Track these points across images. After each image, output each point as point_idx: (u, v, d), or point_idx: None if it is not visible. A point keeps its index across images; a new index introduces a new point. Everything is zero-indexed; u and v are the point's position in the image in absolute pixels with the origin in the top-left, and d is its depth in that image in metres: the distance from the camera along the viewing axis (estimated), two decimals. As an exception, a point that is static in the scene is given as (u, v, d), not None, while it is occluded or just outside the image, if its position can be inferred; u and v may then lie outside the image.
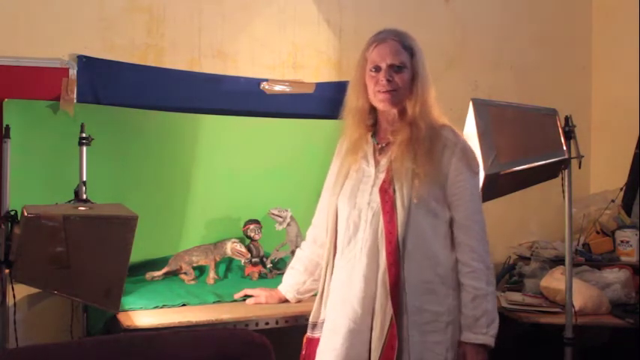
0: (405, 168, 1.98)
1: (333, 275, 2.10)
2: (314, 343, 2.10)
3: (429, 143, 1.99)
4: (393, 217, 1.97)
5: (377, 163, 2.06)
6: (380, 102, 2.03)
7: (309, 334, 2.13)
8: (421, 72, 2.04)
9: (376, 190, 2.02)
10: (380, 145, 2.08)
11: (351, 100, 2.10)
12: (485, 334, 1.96)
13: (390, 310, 1.95)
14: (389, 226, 1.97)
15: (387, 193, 2.00)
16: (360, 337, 1.99)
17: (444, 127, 2.04)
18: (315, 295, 2.37)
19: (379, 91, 2.01)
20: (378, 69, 2.02)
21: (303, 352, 2.14)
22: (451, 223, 2.01)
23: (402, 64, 2.01)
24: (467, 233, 2.00)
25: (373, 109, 2.09)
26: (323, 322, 2.10)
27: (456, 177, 2.00)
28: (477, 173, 2.08)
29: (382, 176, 2.03)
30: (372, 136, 2.10)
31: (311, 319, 2.14)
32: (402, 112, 2.05)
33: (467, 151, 2.04)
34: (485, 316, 1.96)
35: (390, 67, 2.01)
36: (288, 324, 2.35)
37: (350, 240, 2.05)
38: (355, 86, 2.09)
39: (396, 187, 1.98)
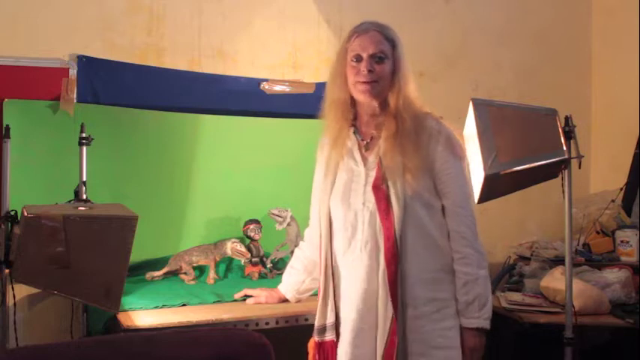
0: (396, 162, 1.98)
1: (340, 278, 2.08)
2: (326, 346, 2.08)
3: (414, 135, 1.99)
4: (389, 214, 1.97)
5: (365, 161, 2.05)
6: (360, 93, 2.01)
7: (317, 338, 2.10)
8: (403, 63, 2.03)
9: (369, 188, 2.01)
10: (365, 141, 2.07)
11: (332, 93, 2.08)
12: (479, 317, 1.98)
13: (390, 307, 1.96)
14: (386, 222, 1.97)
15: (380, 190, 1.99)
16: (366, 335, 2.00)
17: (427, 117, 2.04)
18: (315, 294, 2.38)
19: (360, 82, 2.00)
20: (359, 59, 2.00)
21: (317, 358, 2.11)
22: (443, 210, 2.02)
23: (384, 55, 2.00)
24: (456, 220, 2.01)
25: (354, 103, 2.07)
26: (331, 325, 2.08)
27: (442, 165, 2.00)
28: (463, 158, 2.08)
29: (373, 174, 2.02)
30: (354, 132, 2.08)
31: (317, 324, 2.11)
32: (384, 105, 2.03)
33: (451, 139, 2.03)
34: (477, 300, 1.98)
35: (372, 57, 1.99)
36: (288, 324, 2.35)
37: (350, 242, 2.04)
38: (335, 78, 2.07)
39: (389, 184, 1.98)
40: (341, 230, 2.06)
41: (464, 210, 2.01)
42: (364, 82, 1.99)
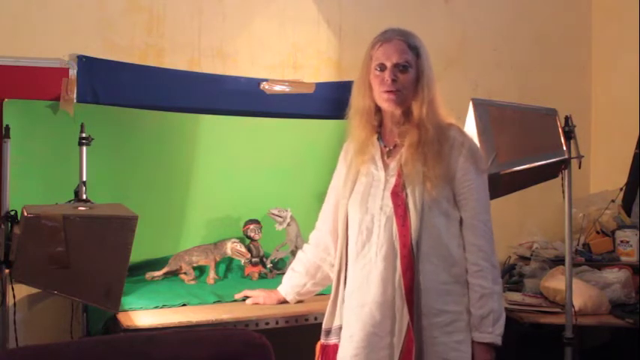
0: (416, 171, 1.97)
1: (348, 281, 2.07)
2: (329, 349, 2.08)
3: (437, 145, 1.99)
4: (406, 221, 1.96)
5: (386, 167, 2.04)
6: (384, 102, 2.01)
7: (323, 340, 2.10)
8: (427, 72, 2.02)
9: (388, 194, 2.00)
10: (387, 148, 2.07)
11: (357, 101, 2.08)
12: (492, 332, 1.96)
13: (406, 315, 1.94)
14: (402, 229, 1.96)
15: (399, 196, 1.98)
16: (379, 342, 1.98)
17: (451, 127, 2.03)
18: (316, 295, 2.38)
19: (384, 91, 2.00)
20: (383, 68, 2.00)
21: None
22: (460, 222, 2.01)
23: (408, 64, 2.00)
24: (474, 232, 2.00)
25: (379, 110, 2.07)
26: (338, 328, 2.08)
27: (463, 176, 1.99)
28: (485, 172, 2.07)
29: (393, 180, 2.01)
30: (377, 138, 2.08)
31: (324, 326, 2.11)
32: (408, 113, 2.03)
33: (474, 151, 2.04)
34: (492, 315, 1.96)
35: (395, 66, 1.99)
36: (288, 324, 2.34)
37: (364, 245, 2.03)
38: (360, 86, 2.07)
39: (408, 191, 1.97)
40: (355, 233, 2.05)
41: (482, 223, 2.00)
42: (388, 91, 1.99)
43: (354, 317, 2.02)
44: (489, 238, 2.02)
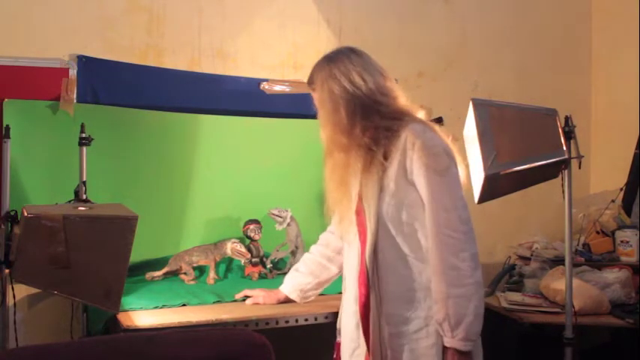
0: (370, 187, 1.95)
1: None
2: (338, 346, 2.14)
3: (376, 155, 1.94)
4: (365, 239, 1.97)
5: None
6: None
7: (338, 338, 2.16)
8: (324, 96, 2.03)
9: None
10: None
11: None
12: (453, 337, 1.87)
13: (363, 343, 1.98)
14: (362, 245, 1.98)
15: (359, 213, 1.99)
16: (355, 350, 2.02)
17: (406, 127, 1.94)
18: (317, 296, 2.40)
19: None
20: None
21: (335, 356, 2.16)
22: None
23: (316, 103, 2.08)
24: (431, 236, 1.91)
25: None
26: None
27: (417, 177, 1.92)
28: (442, 171, 1.91)
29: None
30: None
31: (338, 324, 2.17)
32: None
33: (427, 149, 1.90)
34: (447, 321, 1.87)
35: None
36: (288, 324, 2.34)
37: (347, 253, 2.11)
38: None
39: (365, 207, 1.96)
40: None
41: (438, 227, 1.89)
42: None
43: (342, 321, 2.11)
44: (448, 240, 1.88)
